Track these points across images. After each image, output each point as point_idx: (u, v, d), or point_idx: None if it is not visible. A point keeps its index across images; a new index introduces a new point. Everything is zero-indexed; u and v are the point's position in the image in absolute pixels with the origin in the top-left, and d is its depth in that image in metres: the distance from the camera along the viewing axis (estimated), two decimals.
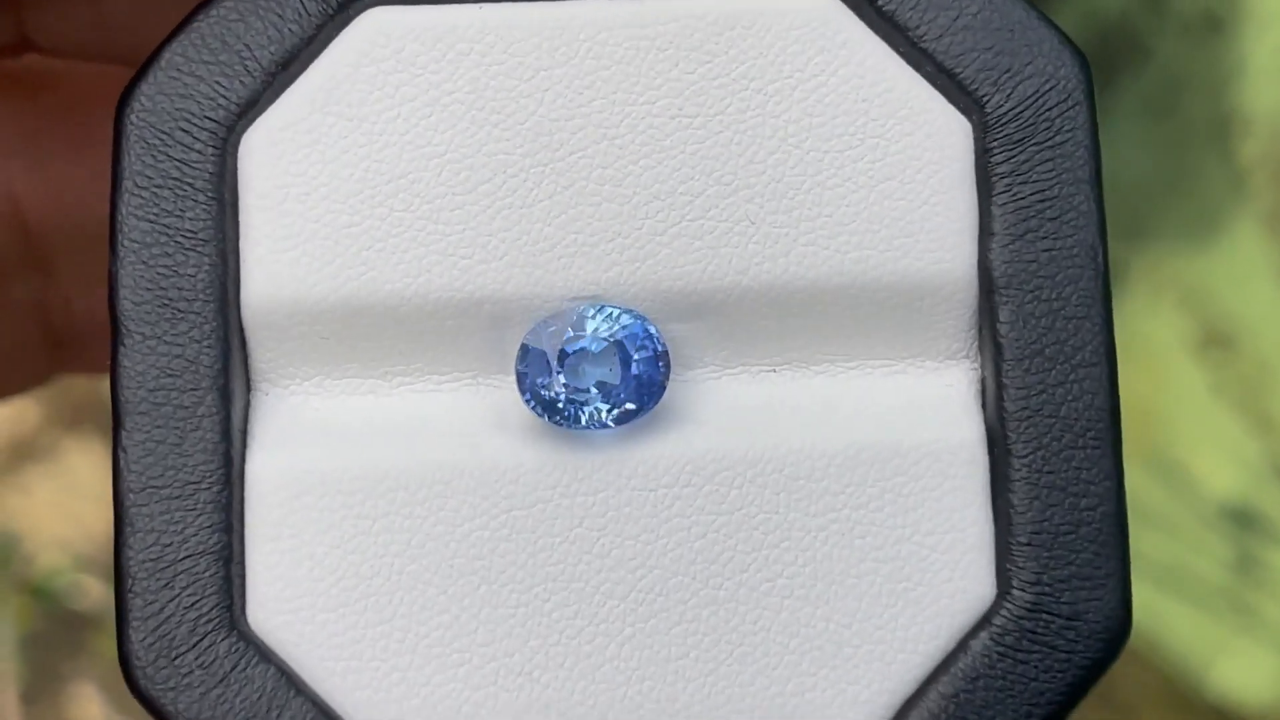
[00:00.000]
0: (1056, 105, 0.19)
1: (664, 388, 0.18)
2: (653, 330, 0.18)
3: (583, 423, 0.18)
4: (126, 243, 0.19)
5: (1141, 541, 0.54)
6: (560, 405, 0.18)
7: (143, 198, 0.19)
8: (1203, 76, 0.55)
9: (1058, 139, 0.19)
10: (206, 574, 0.18)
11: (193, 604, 0.18)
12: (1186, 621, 0.54)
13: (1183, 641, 0.55)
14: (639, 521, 0.18)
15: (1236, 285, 0.55)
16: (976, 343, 0.19)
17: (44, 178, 0.25)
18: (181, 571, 0.18)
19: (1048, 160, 0.19)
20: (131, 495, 0.18)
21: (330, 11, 0.19)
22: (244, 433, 0.19)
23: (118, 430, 0.18)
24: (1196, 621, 0.54)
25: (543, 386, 0.18)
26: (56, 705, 0.63)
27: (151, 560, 0.18)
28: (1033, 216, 0.19)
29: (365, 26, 0.19)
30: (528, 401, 0.18)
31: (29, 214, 0.25)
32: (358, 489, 0.18)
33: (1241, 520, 0.55)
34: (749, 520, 0.18)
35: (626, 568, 0.18)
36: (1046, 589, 0.18)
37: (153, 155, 0.19)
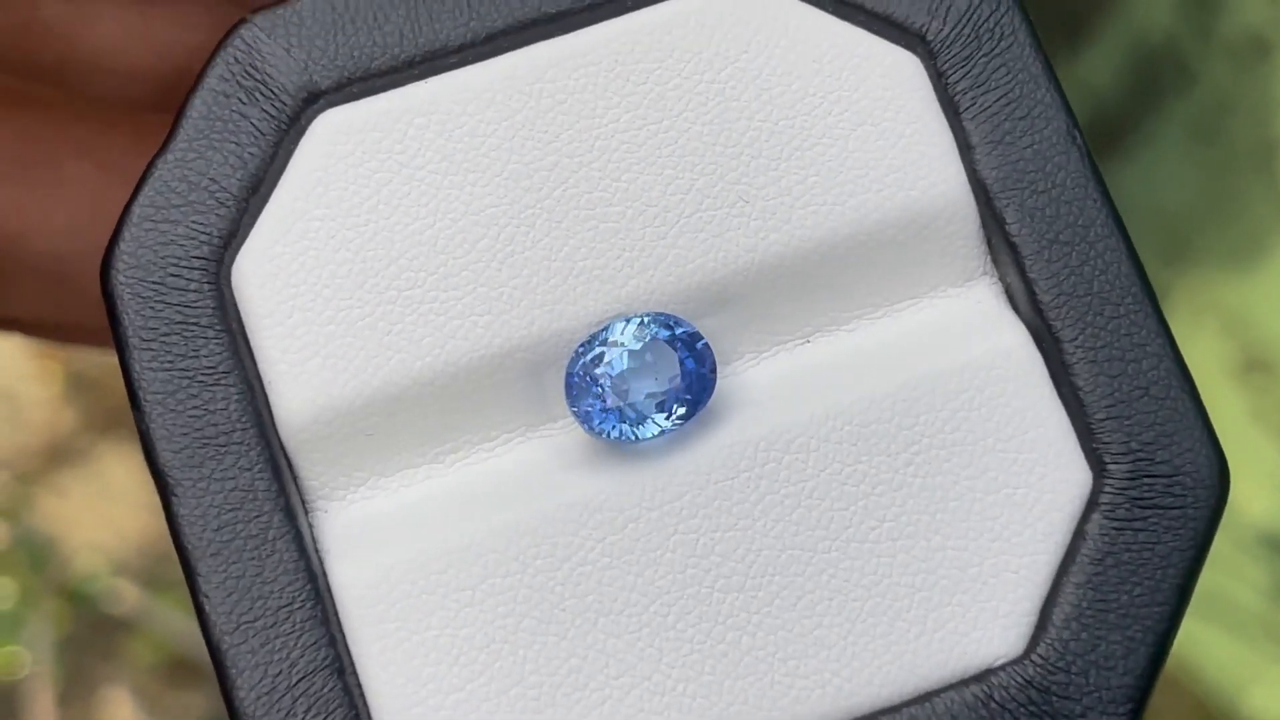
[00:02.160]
0: (990, 15, 0.19)
1: (714, 379, 0.18)
2: (683, 322, 0.18)
3: (647, 436, 0.18)
4: (149, 397, 0.18)
5: None
6: (619, 425, 0.18)
7: (153, 349, 0.18)
8: (1249, 101, 0.55)
9: (1001, 45, 0.19)
10: (326, 690, 0.18)
11: None
12: (1222, 648, 0.54)
13: (1218, 667, 0.54)
14: (731, 511, 0.18)
15: (1279, 310, 0.55)
16: (989, 258, 0.19)
17: (15, 196, 0.24)
18: (300, 695, 0.17)
19: (1000, 66, 0.19)
20: (226, 638, 0.18)
21: (284, 126, 0.19)
22: (317, 550, 0.18)
23: (194, 579, 0.18)
24: (1232, 648, 0.54)
25: (599, 413, 0.18)
26: (89, 710, 0.62)
27: (266, 694, 0.17)
28: (1004, 120, 0.19)
29: (322, 130, 0.19)
30: (589, 431, 0.18)
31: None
32: (448, 566, 0.18)
33: (1279, 547, 0.54)
34: (836, 478, 0.18)
35: (734, 559, 0.18)
36: (1139, 455, 0.18)
37: (150, 307, 0.18)
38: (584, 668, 0.18)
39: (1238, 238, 0.55)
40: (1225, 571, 0.54)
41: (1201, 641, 0.54)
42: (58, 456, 0.66)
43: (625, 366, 0.18)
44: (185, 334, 0.18)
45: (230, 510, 0.18)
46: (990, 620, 0.18)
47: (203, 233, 0.19)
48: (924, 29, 0.19)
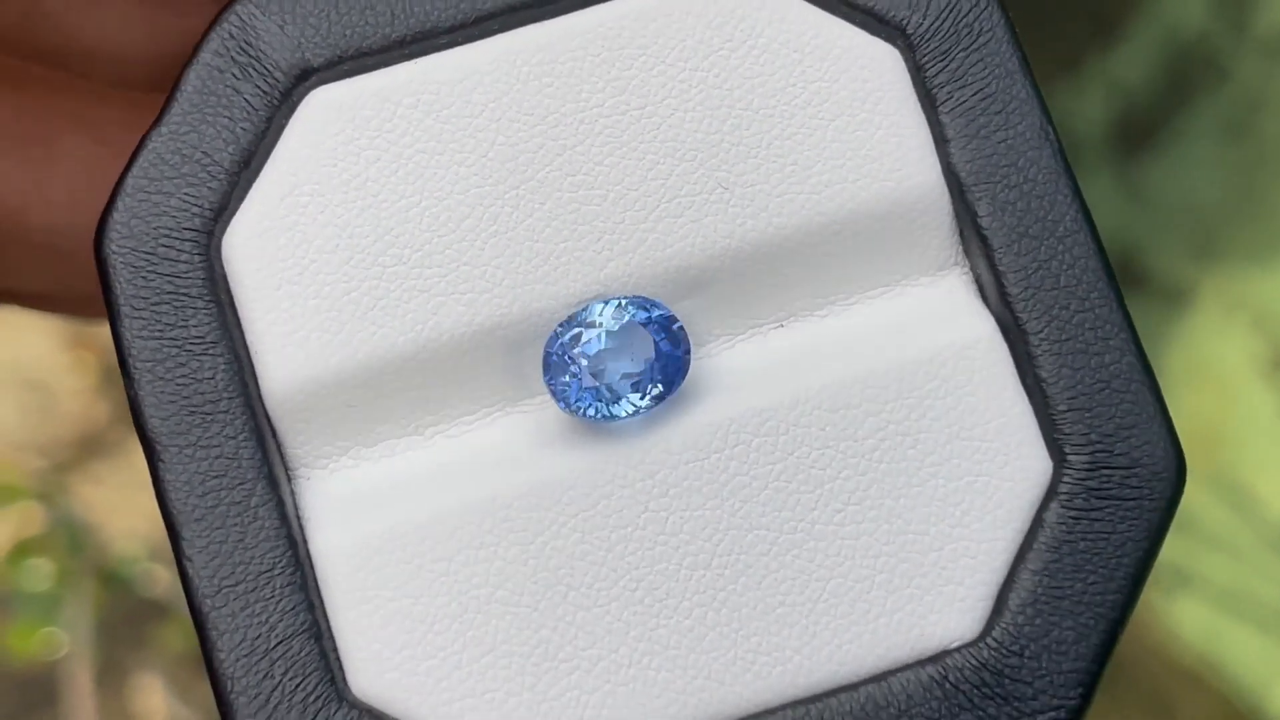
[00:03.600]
0: (970, 11, 0.20)
1: (688, 361, 0.19)
2: (659, 305, 0.19)
3: (621, 415, 0.19)
4: (138, 364, 0.19)
5: (1204, 564, 0.54)
6: (595, 404, 0.19)
7: (143, 318, 0.19)
8: None
9: (980, 40, 0.20)
10: (302, 654, 0.18)
11: (296, 686, 0.18)
12: (1248, 644, 0.54)
13: (1244, 664, 0.54)
14: (701, 491, 0.19)
15: None
16: (961, 249, 0.20)
17: (9, 170, 0.25)
18: (278, 658, 0.18)
19: (977, 61, 0.20)
20: (208, 600, 0.18)
21: (275, 102, 0.19)
22: (298, 517, 0.19)
23: (178, 543, 0.18)
24: (1258, 645, 0.54)
25: (575, 392, 0.19)
26: (121, 694, 0.63)
27: (245, 656, 0.18)
28: (980, 115, 0.19)
29: (313, 106, 0.19)
30: (564, 409, 0.19)
31: None
32: (424, 536, 0.19)
33: None
34: (803, 461, 0.19)
35: (703, 537, 0.19)
36: (1098, 446, 0.19)
37: (142, 277, 0.19)
38: (553, 639, 0.18)
39: (1268, 234, 0.55)
40: (1251, 568, 0.54)
41: (1227, 639, 0.54)
42: (91, 447, 0.66)
43: (602, 347, 0.19)
44: (175, 304, 0.19)
45: (215, 477, 0.19)
46: (948, 604, 0.18)
47: (194, 205, 0.19)
48: (904, 22, 0.20)
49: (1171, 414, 0.19)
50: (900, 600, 0.18)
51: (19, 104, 0.25)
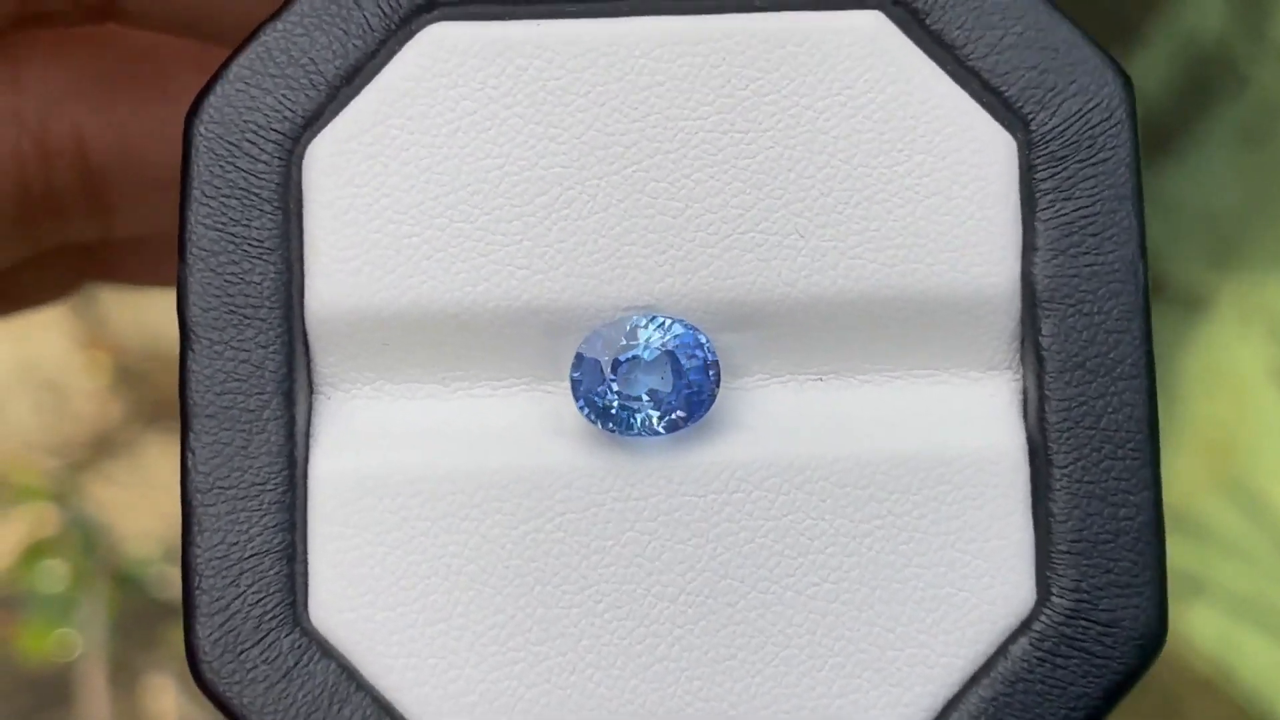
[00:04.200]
0: (1100, 123, 0.19)
1: (714, 397, 0.19)
2: (704, 340, 0.19)
3: (635, 429, 0.19)
4: (195, 250, 0.19)
5: (1218, 571, 0.54)
6: (613, 412, 0.19)
7: (211, 206, 0.19)
8: None
9: (1101, 156, 0.19)
10: (271, 572, 0.19)
11: (258, 601, 0.19)
12: (1262, 651, 0.54)
13: (1257, 671, 0.54)
14: (689, 526, 0.19)
15: None
16: (1019, 355, 0.19)
17: (110, 121, 0.26)
18: (247, 570, 0.19)
19: (1090, 177, 0.19)
20: (199, 495, 0.19)
21: (393, 26, 0.19)
22: (307, 435, 0.19)
23: (186, 433, 0.19)
24: (1272, 651, 0.54)
25: (596, 394, 0.19)
26: (134, 695, 0.64)
27: (218, 558, 0.19)
28: (1075, 232, 0.19)
29: (427, 41, 0.19)
30: (581, 408, 0.19)
31: (92, 156, 0.26)
32: (418, 491, 0.19)
33: None
34: (795, 526, 0.19)
35: (676, 571, 0.19)
36: (1085, 595, 0.19)
37: (220, 165, 0.19)
38: (508, 625, 0.19)
39: None
40: (1266, 575, 0.54)
41: (1240, 646, 0.54)
42: (105, 447, 0.66)
43: (636, 359, 0.19)
44: (245, 201, 0.19)
45: (237, 380, 0.19)
46: (889, 706, 0.19)
47: (288, 108, 0.19)
48: (1031, 116, 0.19)
49: (1187, 421, 0.19)
50: (845, 687, 0.19)
51: (135, 45, 0.25)
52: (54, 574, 0.65)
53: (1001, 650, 0.19)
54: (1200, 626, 0.54)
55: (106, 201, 0.26)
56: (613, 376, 0.19)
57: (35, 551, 0.65)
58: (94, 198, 0.26)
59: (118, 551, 0.65)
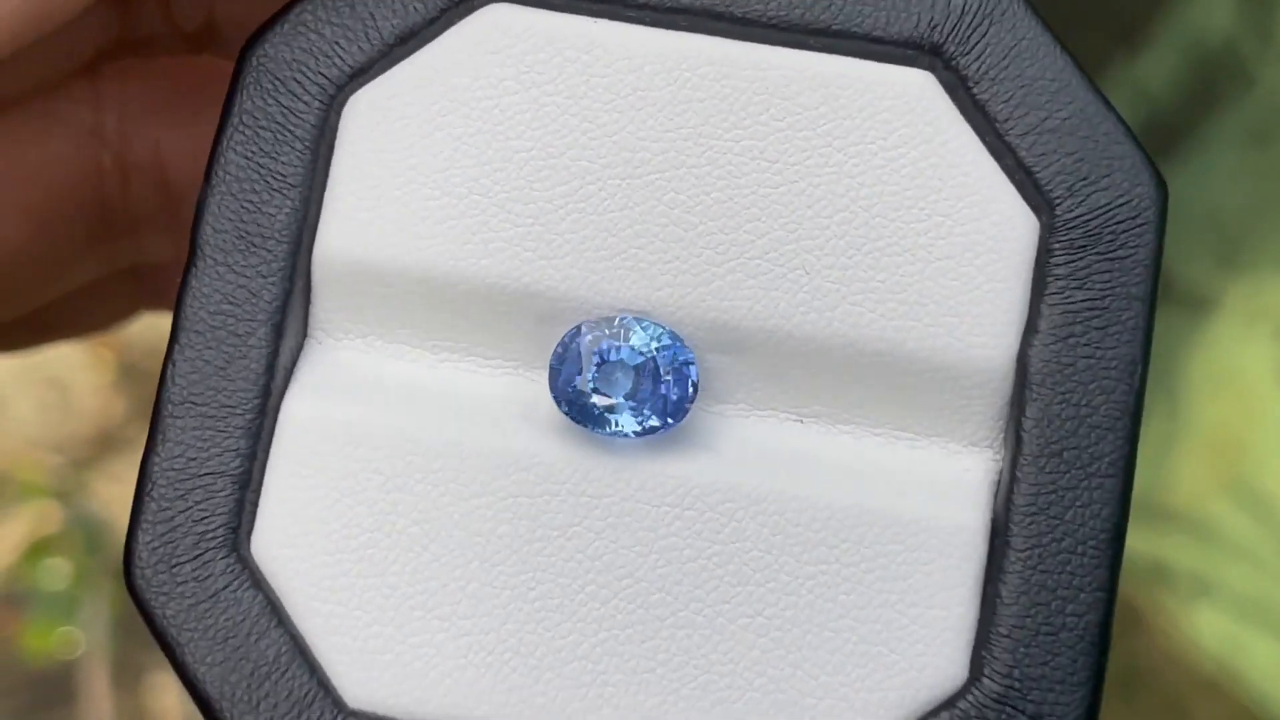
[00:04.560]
0: (1126, 220, 0.19)
1: (687, 411, 0.19)
2: (689, 356, 0.19)
3: (606, 429, 0.19)
4: (220, 173, 0.20)
5: (1225, 572, 0.53)
6: (586, 407, 0.19)
7: (245, 135, 0.20)
8: None
9: (1120, 253, 0.19)
10: (222, 494, 0.19)
11: (202, 518, 0.19)
12: (1268, 652, 0.53)
13: (1263, 673, 0.53)
14: (636, 533, 0.19)
15: None
16: (1002, 434, 0.19)
17: (190, 138, 0.26)
18: (199, 487, 0.19)
19: (1106, 271, 0.19)
20: (170, 406, 0.19)
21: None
22: (289, 372, 0.19)
23: (172, 345, 0.19)
24: (1277, 654, 0.53)
25: (572, 386, 0.19)
26: (137, 693, 0.64)
27: (174, 470, 0.19)
28: (1080, 322, 0.19)
29: (484, 19, 0.20)
30: (555, 398, 0.19)
31: (172, 174, 0.26)
32: (379, 447, 0.19)
33: None
34: (741, 554, 0.19)
35: (614, 574, 0.19)
36: (1016, 684, 0.18)
37: (263, 98, 0.20)
38: (438, 592, 0.19)
39: None
40: (1272, 578, 0.53)
41: (1247, 648, 0.53)
42: (109, 444, 0.66)
43: (617, 360, 0.19)
44: (278, 136, 0.20)
45: (231, 303, 0.19)
46: None
47: (339, 57, 0.20)
48: (1058, 201, 0.19)
49: (1193, 422, 0.19)
50: None
51: (190, 71, 0.26)
52: (57, 572, 0.65)
53: None
54: (1206, 628, 0.54)
55: (183, 220, 0.27)
56: (594, 372, 0.19)
57: (38, 549, 0.65)
58: (171, 216, 0.26)
59: (121, 549, 0.65)
